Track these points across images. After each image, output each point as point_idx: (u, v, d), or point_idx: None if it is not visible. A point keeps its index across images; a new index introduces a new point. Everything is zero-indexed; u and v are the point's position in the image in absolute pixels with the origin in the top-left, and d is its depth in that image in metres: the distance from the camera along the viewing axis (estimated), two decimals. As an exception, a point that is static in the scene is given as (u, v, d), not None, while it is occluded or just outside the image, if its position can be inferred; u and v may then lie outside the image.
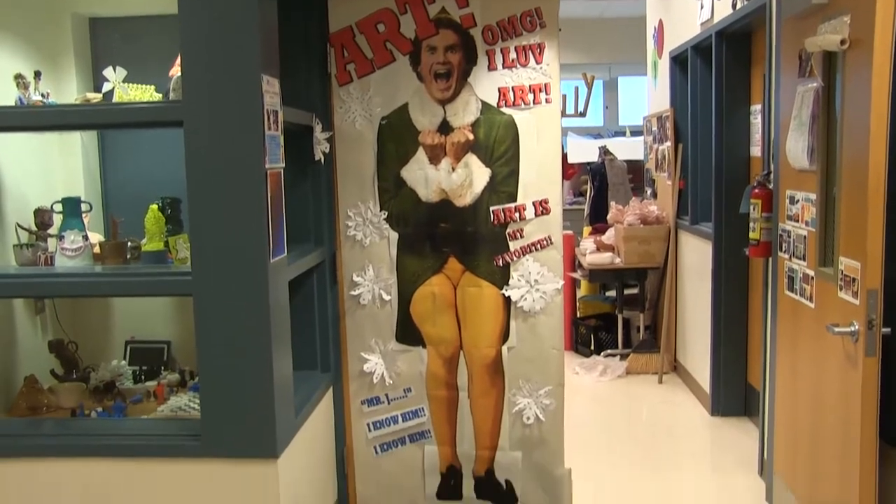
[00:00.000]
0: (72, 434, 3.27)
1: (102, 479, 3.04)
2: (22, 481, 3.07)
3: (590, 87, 4.44)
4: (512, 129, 3.72)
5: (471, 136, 3.72)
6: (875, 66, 2.79)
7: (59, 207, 3.41)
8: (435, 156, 3.74)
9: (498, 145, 3.72)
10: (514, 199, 3.74)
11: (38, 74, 3.39)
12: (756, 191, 4.06)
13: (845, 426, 3.06)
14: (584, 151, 9.51)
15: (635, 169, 8.43)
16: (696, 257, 5.97)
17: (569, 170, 9.77)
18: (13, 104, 3.30)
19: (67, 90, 4.19)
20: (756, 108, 5.17)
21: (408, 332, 3.87)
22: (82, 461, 3.06)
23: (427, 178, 3.76)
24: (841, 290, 3.07)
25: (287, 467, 3.07)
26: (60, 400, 3.80)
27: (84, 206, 3.46)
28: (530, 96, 3.71)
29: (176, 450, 3.03)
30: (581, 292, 7.68)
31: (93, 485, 3.05)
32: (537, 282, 3.78)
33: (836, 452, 3.17)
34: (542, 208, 3.74)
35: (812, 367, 3.42)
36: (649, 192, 7.47)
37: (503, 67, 3.70)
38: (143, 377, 4.06)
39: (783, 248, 3.74)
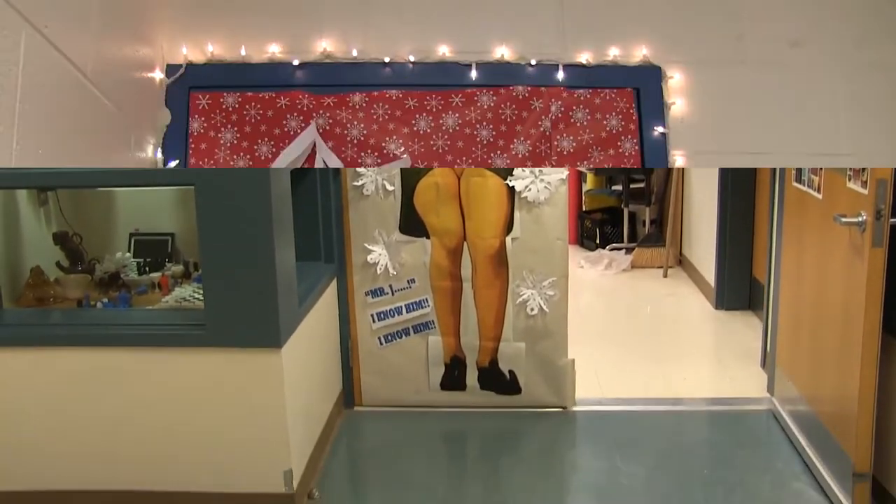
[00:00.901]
0: (79, 324, 3.31)
1: (109, 367, 3.08)
2: (30, 369, 3.11)
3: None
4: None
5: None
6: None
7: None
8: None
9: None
10: (520, 88, 3.66)
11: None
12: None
13: (849, 318, 3.06)
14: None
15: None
16: (704, 150, 5.90)
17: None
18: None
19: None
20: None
21: (411, 223, 3.86)
22: (90, 350, 3.09)
23: (430, 66, 3.67)
24: (850, 180, 3.02)
25: (291, 357, 3.10)
26: (66, 291, 3.83)
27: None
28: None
29: (181, 339, 3.05)
30: (587, 186, 7.62)
31: (100, 372, 3.08)
32: (542, 171, 3.73)
33: (838, 344, 3.18)
34: (547, 97, 3.66)
35: (817, 259, 3.41)
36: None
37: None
38: (147, 269, 4.07)
39: (793, 139, 3.67)
